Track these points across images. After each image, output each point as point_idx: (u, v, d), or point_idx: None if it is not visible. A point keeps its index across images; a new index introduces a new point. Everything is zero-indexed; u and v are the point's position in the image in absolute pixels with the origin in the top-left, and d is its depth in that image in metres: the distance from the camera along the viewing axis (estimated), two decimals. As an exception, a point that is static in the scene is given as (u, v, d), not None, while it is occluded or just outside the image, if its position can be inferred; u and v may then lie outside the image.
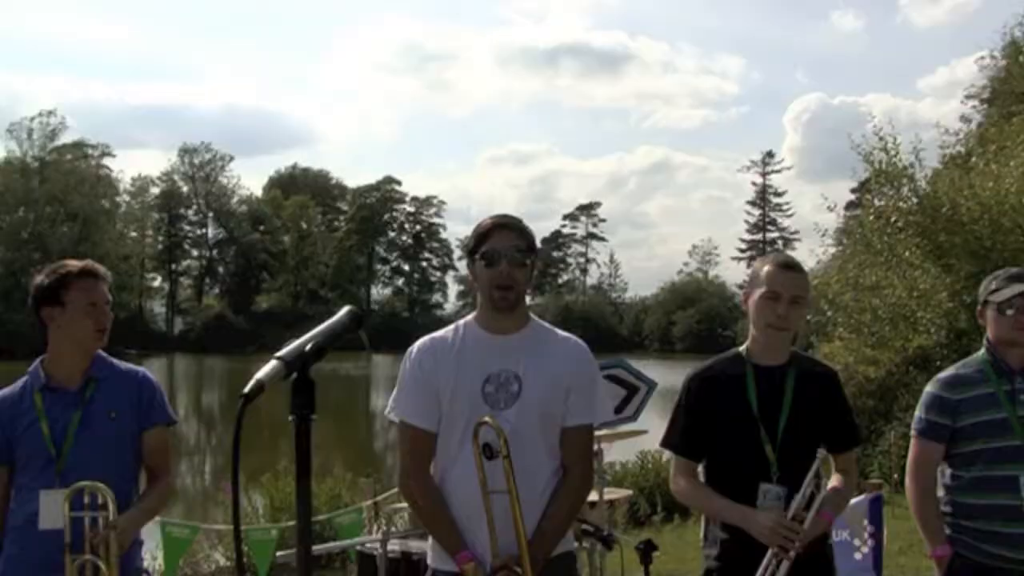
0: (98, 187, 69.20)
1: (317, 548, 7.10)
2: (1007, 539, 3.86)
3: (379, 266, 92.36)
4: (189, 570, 9.10)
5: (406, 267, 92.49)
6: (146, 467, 3.83)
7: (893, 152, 15.98)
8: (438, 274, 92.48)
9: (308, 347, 2.14)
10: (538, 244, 3.57)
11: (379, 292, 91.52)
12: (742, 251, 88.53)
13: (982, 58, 31.02)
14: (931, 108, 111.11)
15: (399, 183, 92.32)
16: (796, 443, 3.54)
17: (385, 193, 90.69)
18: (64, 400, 3.69)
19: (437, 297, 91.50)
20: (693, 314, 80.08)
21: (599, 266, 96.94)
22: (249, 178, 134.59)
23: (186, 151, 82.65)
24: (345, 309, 2.37)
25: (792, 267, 3.67)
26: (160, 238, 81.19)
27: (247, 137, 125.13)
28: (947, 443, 4.04)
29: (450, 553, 3.33)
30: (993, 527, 3.90)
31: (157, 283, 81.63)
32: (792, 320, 3.60)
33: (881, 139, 16.17)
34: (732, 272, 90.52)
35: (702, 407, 3.66)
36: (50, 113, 67.00)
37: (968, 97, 31.23)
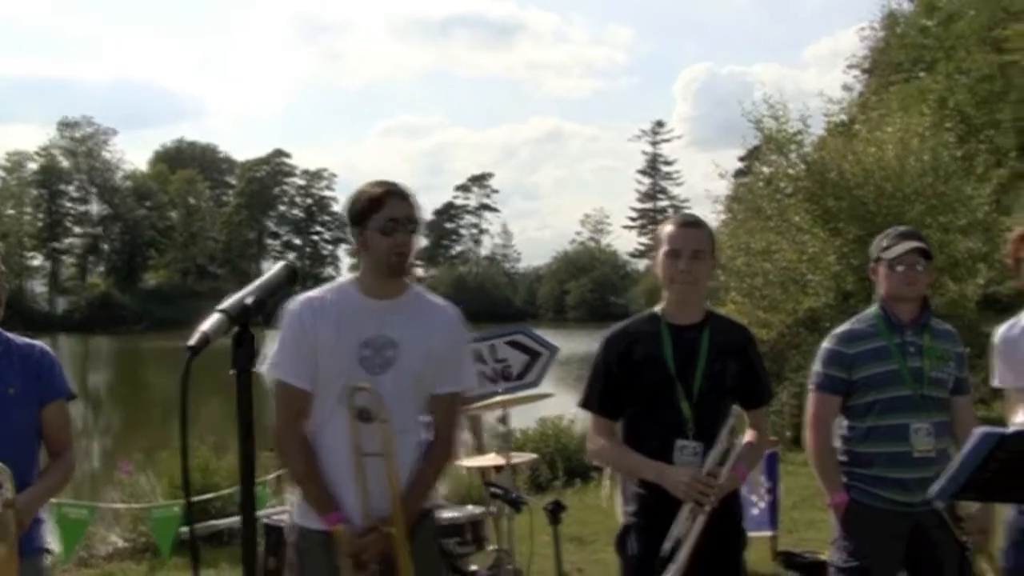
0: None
1: (225, 522, 7.06)
2: (900, 484, 4.06)
3: (270, 240, 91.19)
4: (85, 552, 8.91)
5: (298, 241, 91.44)
6: (46, 443, 3.72)
7: (783, 119, 16.34)
8: (330, 247, 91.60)
9: (249, 300, 2.15)
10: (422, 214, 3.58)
11: (270, 266, 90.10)
12: (633, 220, 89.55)
13: (863, 29, 31.82)
14: (816, 77, 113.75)
15: (289, 156, 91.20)
16: (711, 400, 3.64)
17: (275, 166, 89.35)
18: None
19: (329, 271, 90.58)
20: (586, 283, 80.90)
21: (492, 237, 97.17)
22: (135, 153, 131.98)
23: (66, 125, 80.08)
24: (281, 264, 2.40)
25: (691, 224, 3.76)
26: (40, 215, 78.68)
27: (136, 111, 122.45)
28: (843, 395, 4.21)
29: (320, 513, 3.37)
30: (886, 473, 4.09)
31: (38, 262, 79.21)
32: (696, 274, 3.67)
33: (771, 106, 16.52)
34: (624, 241, 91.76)
35: (619, 367, 3.72)
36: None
37: (850, 67, 32.05)
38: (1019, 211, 17.57)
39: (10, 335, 3.77)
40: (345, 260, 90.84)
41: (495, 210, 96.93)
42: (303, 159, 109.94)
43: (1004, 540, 4.33)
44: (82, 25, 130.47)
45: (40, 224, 78.34)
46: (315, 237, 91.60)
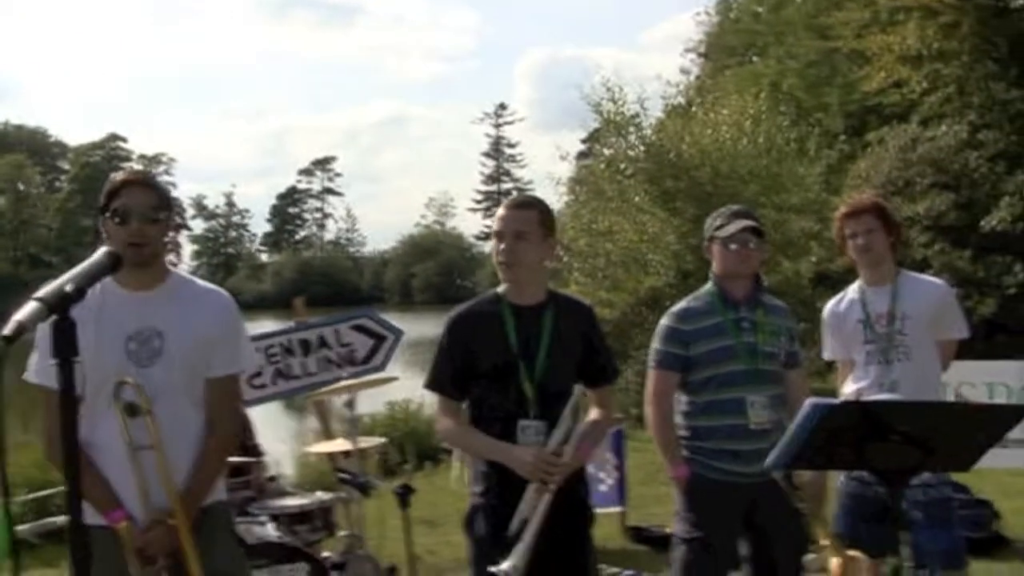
0: None
1: (58, 520, 6.83)
2: (737, 456, 4.19)
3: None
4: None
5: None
6: None
7: (620, 102, 16.62)
8: (171, 234, 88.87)
9: (68, 287, 2.08)
10: (171, 200, 3.55)
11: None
12: (478, 202, 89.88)
13: (698, 14, 32.65)
14: (655, 61, 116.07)
15: (125, 140, 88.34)
16: (555, 380, 3.66)
17: (110, 151, 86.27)
18: None
19: (171, 257, 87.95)
20: (432, 266, 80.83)
21: (336, 221, 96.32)
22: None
23: None
24: (103, 249, 2.32)
25: (516, 205, 3.76)
26: None
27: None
28: (682, 371, 4.33)
29: (102, 512, 3.30)
30: (725, 446, 4.21)
31: None
32: (519, 255, 3.65)
33: (609, 90, 16.79)
34: (469, 223, 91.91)
35: (463, 348, 3.72)
36: None
37: (687, 51, 32.84)
38: (846, 191, 18.30)
39: None
40: (187, 247, 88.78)
41: (339, 194, 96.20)
42: (140, 144, 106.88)
43: (835, 506, 4.55)
44: None
45: None
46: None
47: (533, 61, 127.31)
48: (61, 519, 6.58)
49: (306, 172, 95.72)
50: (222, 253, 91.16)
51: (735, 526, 4.27)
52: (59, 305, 2.05)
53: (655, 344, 4.41)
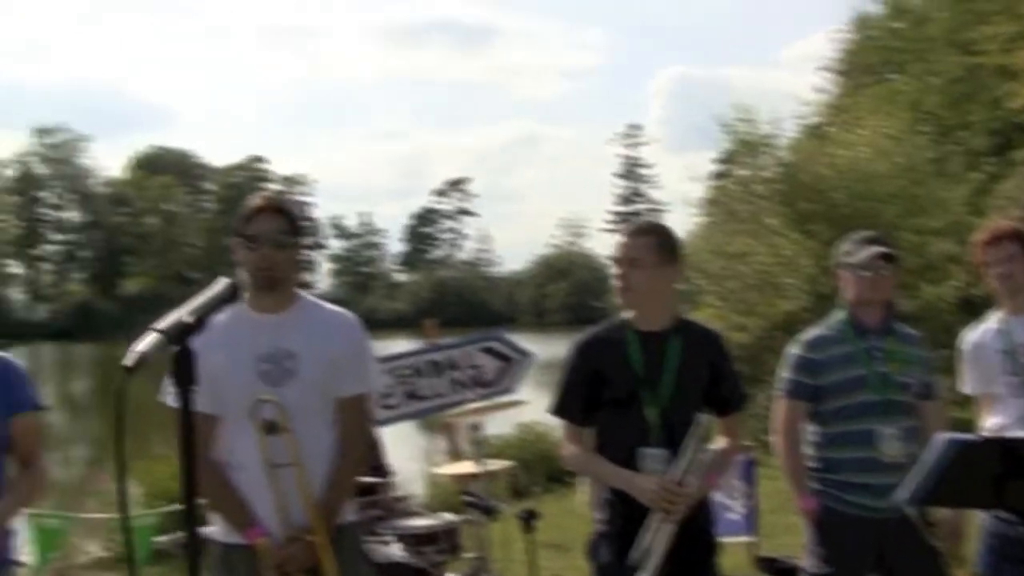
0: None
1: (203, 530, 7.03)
2: (868, 489, 4.07)
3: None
4: (62, 562, 8.87)
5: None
6: (16, 455, 3.70)
7: (753, 122, 16.37)
8: (310, 253, 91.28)
9: (188, 318, 2.14)
10: (306, 222, 3.64)
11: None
12: (612, 223, 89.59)
13: (834, 31, 31.96)
14: (789, 79, 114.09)
15: (267, 162, 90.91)
16: (680, 407, 3.60)
17: (252, 173, 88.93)
18: None
19: (309, 276, 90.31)
20: (565, 287, 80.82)
21: (471, 242, 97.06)
22: (110, 159, 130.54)
23: (41, 132, 79.78)
24: (222, 281, 2.38)
25: (631, 232, 3.73)
26: (17, 222, 78.17)
27: (106, 117, 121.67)
28: (811, 401, 4.23)
29: (239, 529, 3.39)
30: (854, 478, 4.10)
31: (16, 270, 78.75)
32: (633, 281, 3.64)
33: (741, 110, 16.56)
34: (603, 244, 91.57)
35: (587, 373, 3.71)
36: None
37: (821, 69, 32.15)
38: (992, 212, 17.68)
39: None
40: (325, 266, 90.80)
41: (473, 214, 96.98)
42: (281, 165, 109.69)
43: (979, 544, 4.37)
44: (27, 25, 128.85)
45: (18, 232, 77.89)
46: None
47: (665, 80, 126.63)
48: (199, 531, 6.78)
49: (440, 193, 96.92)
50: (358, 272, 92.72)
51: (866, 562, 4.15)
52: (179, 336, 2.11)
53: (784, 372, 4.33)
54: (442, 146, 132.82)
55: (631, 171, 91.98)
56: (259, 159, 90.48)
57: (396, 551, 5.32)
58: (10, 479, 3.69)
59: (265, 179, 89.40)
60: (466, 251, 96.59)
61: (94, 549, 9.29)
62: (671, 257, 3.71)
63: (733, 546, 6.74)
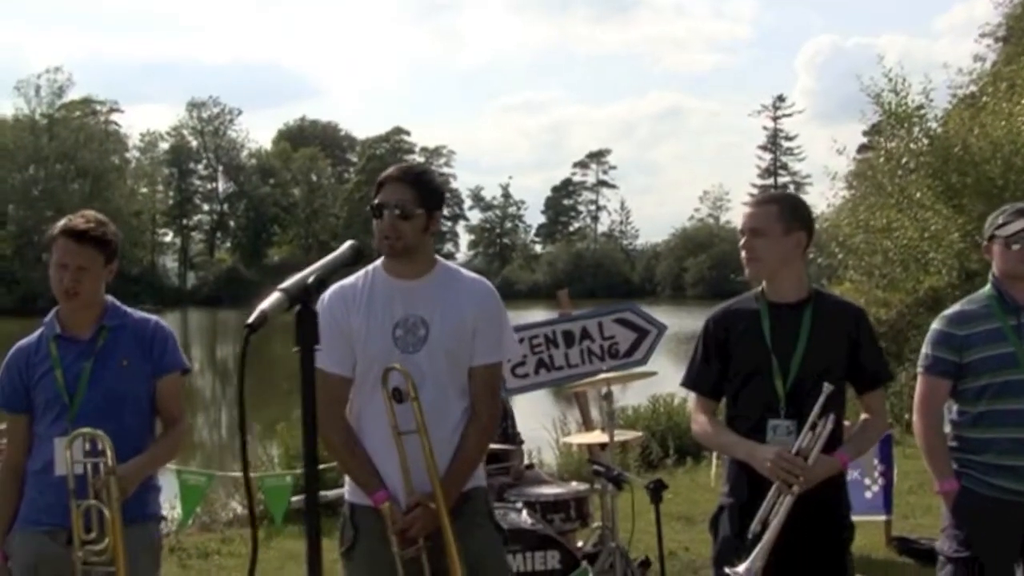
0: (107, 143, 69.14)
1: (328, 493, 7.19)
2: (1013, 472, 3.90)
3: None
4: (207, 518, 9.20)
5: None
6: (160, 414, 3.85)
7: (903, 93, 15.84)
8: (448, 224, 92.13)
9: (310, 279, 2.17)
10: (440, 193, 3.65)
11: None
12: (754, 196, 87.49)
13: (998, -4, 30.58)
14: (947, 47, 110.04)
15: (408, 133, 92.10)
16: (811, 379, 3.51)
17: (394, 144, 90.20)
18: (77, 349, 3.73)
19: (448, 247, 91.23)
20: (705, 260, 79.84)
21: (610, 213, 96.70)
22: (258, 131, 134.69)
23: (194, 105, 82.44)
24: (347, 243, 2.41)
25: (754, 202, 3.71)
26: (171, 193, 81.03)
27: (255, 90, 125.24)
28: (954, 379, 4.06)
29: (367, 492, 3.46)
30: (999, 460, 3.92)
31: (169, 238, 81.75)
32: (756, 251, 3.60)
33: (891, 80, 16.01)
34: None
35: (719, 345, 3.68)
36: (57, 70, 66.77)
37: (983, 36, 30.83)
38: None
39: (127, 309, 3.89)
40: (464, 237, 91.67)
41: (613, 186, 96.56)
42: (422, 136, 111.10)
43: None
44: (191, 4, 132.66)
45: (171, 202, 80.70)
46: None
47: (815, 50, 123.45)
48: (332, 493, 6.96)
49: (581, 164, 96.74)
50: (497, 243, 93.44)
51: (1011, 548, 3.96)
52: (301, 296, 2.13)
53: (925, 349, 4.15)
54: (584, 118, 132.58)
55: (775, 143, 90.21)
56: (401, 131, 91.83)
57: (525, 518, 5.34)
58: (155, 437, 3.84)
59: (406, 150, 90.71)
60: (605, 223, 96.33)
61: (235, 506, 9.60)
62: (797, 225, 3.62)
63: (868, 525, 6.59)
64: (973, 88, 19.13)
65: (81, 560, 3.49)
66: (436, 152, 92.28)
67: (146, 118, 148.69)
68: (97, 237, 3.73)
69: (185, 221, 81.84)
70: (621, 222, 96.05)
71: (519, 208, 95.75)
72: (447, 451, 3.46)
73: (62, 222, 3.76)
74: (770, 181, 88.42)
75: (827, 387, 3.45)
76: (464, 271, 3.71)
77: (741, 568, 3.31)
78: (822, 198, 24.80)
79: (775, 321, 3.61)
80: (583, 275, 76.08)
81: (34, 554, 3.67)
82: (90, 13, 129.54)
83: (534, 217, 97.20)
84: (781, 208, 3.63)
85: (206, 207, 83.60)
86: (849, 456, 3.62)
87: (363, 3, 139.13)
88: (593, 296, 63.11)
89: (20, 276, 57.83)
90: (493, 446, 5.62)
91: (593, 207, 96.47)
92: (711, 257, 79.81)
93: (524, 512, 5.40)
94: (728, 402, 3.70)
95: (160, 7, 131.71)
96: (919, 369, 4.18)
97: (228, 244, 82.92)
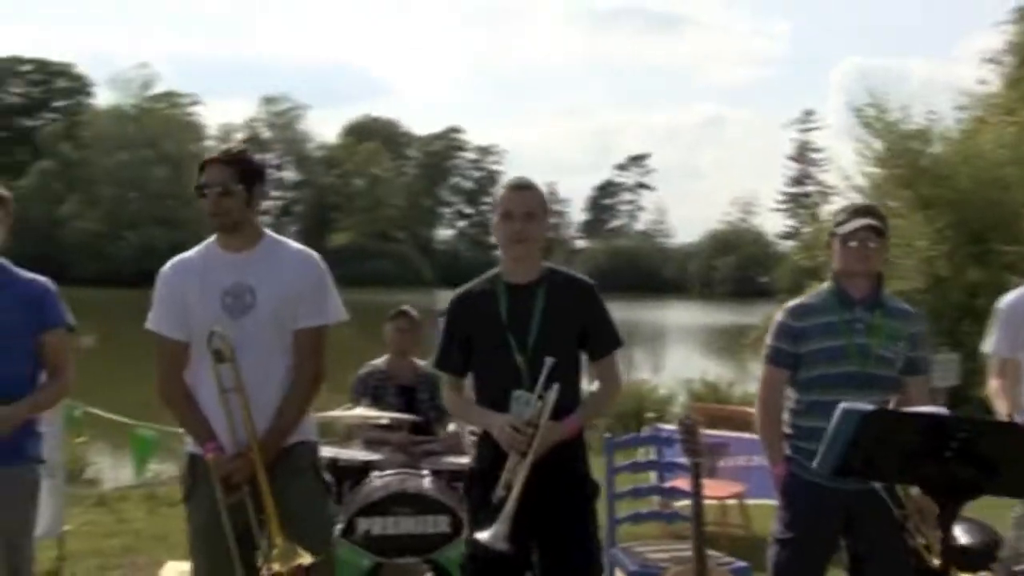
0: (188, 133, 69.94)
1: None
2: None
3: (444, 209, 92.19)
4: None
5: (468, 210, 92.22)
6: (46, 367, 3.87)
7: (884, 111, 15.41)
8: (496, 219, 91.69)
9: None
10: (258, 170, 3.66)
11: (443, 233, 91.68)
12: (781, 203, 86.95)
13: (1000, 23, 29.94)
14: (966, 72, 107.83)
15: (463, 132, 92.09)
16: (547, 352, 3.46)
17: (449, 141, 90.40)
18: None
19: (493, 238, 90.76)
20: (732, 260, 79.16)
21: (648, 214, 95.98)
22: (326, 126, 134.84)
23: (268, 100, 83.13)
24: None
25: (523, 187, 3.66)
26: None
27: (325, 88, 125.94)
28: (792, 369, 3.94)
29: (199, 444, 3.53)
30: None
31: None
32: (528, 233, 3.57)
33: (873, 98, 15.61)
34: (771, 222, 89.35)
35: (460, 326, 3.66)
36: (145, 65, 67.84)
37: (987, 61, 30.18)
38: None
39: (16, 270, 3.91)
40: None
41: (651, 188, 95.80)
42: (476, 135, 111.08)
43: (1012, 531, 4.01)
44: (272, 9, 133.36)
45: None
46: (484, 207, 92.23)
47: (844, 70, 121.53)
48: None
49: (621, 167, 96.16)
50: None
51: (829, 532, 3.89)
52: None
53: (767, 339, 4.04)
54: (630, 124, 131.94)
55: (802, 154, 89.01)
56: (456, 129, 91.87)
57: (425, 484, 5.26)
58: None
59: (461, 147, 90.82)
60: (642, 222, 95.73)
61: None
62: (548, 212, 3.74)
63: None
64: (970, 111, 18.63)
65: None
66: (488, 151, 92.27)
67: (224, 112, 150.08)
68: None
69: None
70: (657, 222, 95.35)
71: (563, 206, 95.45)
72: (271, 407, 3.51)
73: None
74: (797, 190, 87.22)
75: (547, 360, 3.43)
76: (290, 242, 3.74)
77: (487, 533, 3.27)
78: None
79: (512, 300, 3.60)
80: (619, 270, 75.75)
81: None
82: (180, 14, 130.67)
83: (577, 215, 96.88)
84: (541, 196, 3.71)
85: (275, 193, 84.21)
86: (579, 421, 3.57)
87: (428, 10, 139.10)
88: (629, 290, 62.98)
89: (108, 250, 59.20)
90: (399, 416, 5.59)
91: (632, 207, 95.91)
92: (739, 258, 79.07)
93: (427, 479, 5.31)
94: (474, 378, 3.70)
95: (243, 12, 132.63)
96: (763, 358, 4.06)
97: (294, 228, 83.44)
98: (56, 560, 5.98)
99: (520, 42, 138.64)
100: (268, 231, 3.70)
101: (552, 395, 3.42)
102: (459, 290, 3.74)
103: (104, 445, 10.26)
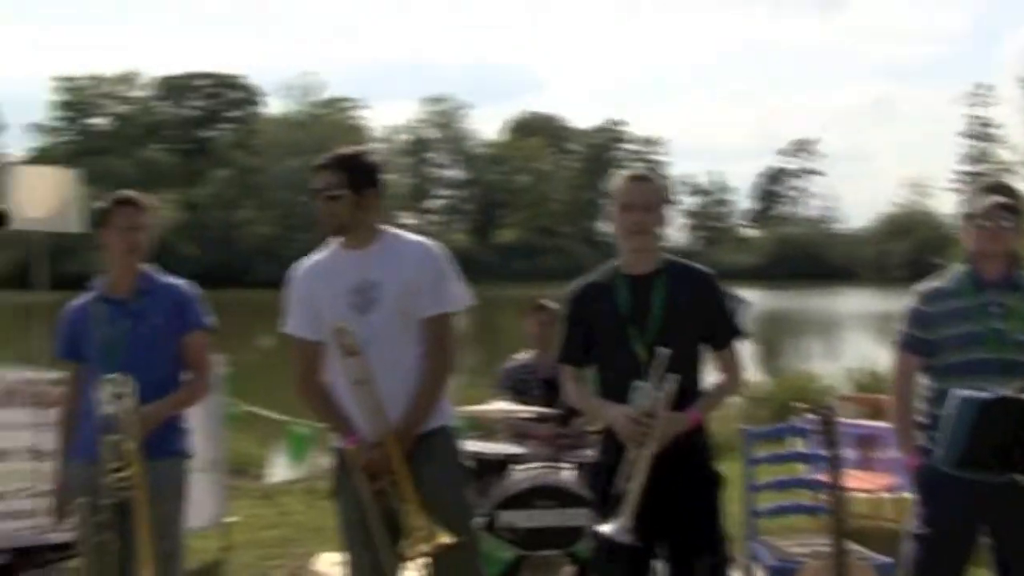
0: (353, 136, 72.09)
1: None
2: None
3: (606, 201, 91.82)
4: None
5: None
6: (187, 368, 4.10)
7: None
8: (614, 209, 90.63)
9: None
10: (369, 172, 3.69)
11: (605, 225, 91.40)
12: (956, 183, 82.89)
13: None
14: None
15: (625, 123, 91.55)
16: (668, 343, 3.43)
17: (612, 134, 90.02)
18: (119, 308, 4.03)
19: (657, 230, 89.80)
20: (907, 244, 76.02)
21: (817, 199, 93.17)
22: (487, 123, 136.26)
23: (430, 101, 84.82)
24: None
25: (641, 179, 3.64)
26: (409, 180, 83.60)
27: (486, 85, 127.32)
28: (925, 355, 3.79)
29: (341, 438, 3.63)
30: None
31: (407, 220, 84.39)
32: (648, 225, 3.54)
33: None
34: (946, 203, 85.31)
35: (579, 317, 3.65)
36: (312, 73, 70.35)
37: None
38: None
39: (159, 277, 4.16)
40: (679, 220, 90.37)
41: (819, 173, 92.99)
42: (637, 126, 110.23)
43: None
44: (429, 11, 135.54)
45: (409, 188, 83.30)
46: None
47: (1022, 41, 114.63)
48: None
49: (787, 152, 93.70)
50: (708, 227, 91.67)
51: (973, 526, 3.70)
52: None
53: (899, 325, 3.89)
54: (798, 107, 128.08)
55: (978, 131, 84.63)
56: (618, 122, 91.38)
57: (566, 476, 5.28)
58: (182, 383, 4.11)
59: (623, 140, 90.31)
60: (811, 208, 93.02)
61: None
62: (666, 203, 3.69)
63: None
64: None
65: (109, 485, 3.78)
66: (651, 141, 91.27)
67: (389, 113, 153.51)
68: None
69: (422, 205, 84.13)
70: (827, 207, 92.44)
71: (731, 194, 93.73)
72: (403, 398, 3.58)
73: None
74: (973, 168, 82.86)
75: (662, 351, 3.38)
76: (408, 235, 3.81)
77: (609, 526, 3.23)
78: None
79: (632, 291, 3.56)
80: (788, 257, 73.99)
81: (78, 481, 3.97)
82: (344, 26, 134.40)
83: (744, 203, 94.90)
84: (659, 187, 3.66)
85: (442, 192, 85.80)
86: (699, 412, 3.52)
87: (585, 5, 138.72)
88: (798, 277, 61.29)
89: (283, 253, 61.47)
90: (542, 410, 5.61)
91: (800, 193, 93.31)
92: (913, 242, 75.86)
93: (568, 472, 5.34)
94: (597, 369, 3.68)
95: (402, 11, 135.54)
96: (895, 344, 3.92)
97: (461, 226, 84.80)
98: (220, 550, 6.29)
99: (680, 31, 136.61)
100: (386, 227, 3.77)
101: (670, 385, 3.40)
102: (577, 282, 3.74)
103: (270, 441, 10.71)
